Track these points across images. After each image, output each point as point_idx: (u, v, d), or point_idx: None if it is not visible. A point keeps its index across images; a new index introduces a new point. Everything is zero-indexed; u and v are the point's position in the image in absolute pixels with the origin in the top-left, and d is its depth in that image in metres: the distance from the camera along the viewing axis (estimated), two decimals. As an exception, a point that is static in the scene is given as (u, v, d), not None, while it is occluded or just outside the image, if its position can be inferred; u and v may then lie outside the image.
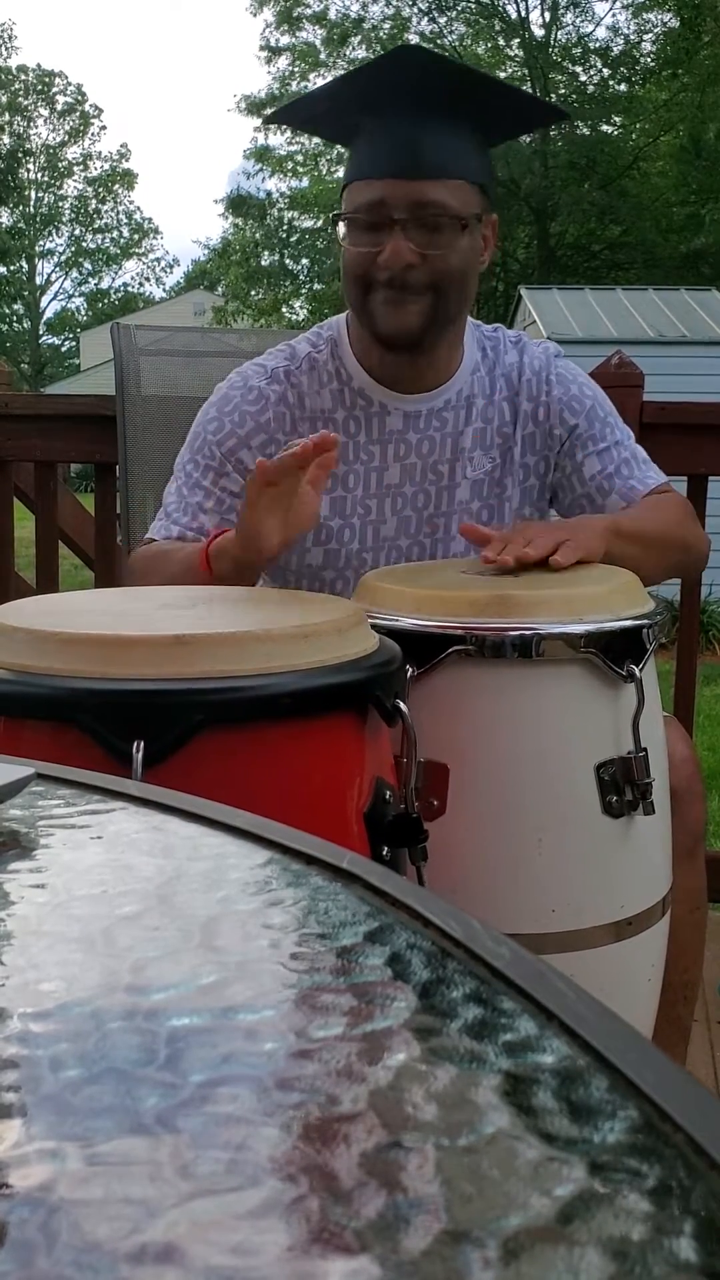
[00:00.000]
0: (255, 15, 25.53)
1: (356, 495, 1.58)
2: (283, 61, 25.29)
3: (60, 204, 39.68)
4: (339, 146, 1.54)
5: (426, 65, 1.50)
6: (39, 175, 38.54)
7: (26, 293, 39.08)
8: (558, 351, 1.66)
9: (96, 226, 40.61)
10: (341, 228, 1.50)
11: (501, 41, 24.36)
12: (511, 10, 23.54)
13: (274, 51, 25.19)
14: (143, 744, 0.89)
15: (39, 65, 42.08)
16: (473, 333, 1.62)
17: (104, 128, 54.85)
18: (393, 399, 1.58)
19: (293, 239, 26.96)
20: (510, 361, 1.62)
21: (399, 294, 1.48)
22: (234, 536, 1.33)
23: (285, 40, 25.10)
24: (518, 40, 23.86)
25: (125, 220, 41.27)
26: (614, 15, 34.99)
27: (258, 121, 27.07)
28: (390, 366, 1.56)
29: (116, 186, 40.31)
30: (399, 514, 1.58)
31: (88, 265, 41.08)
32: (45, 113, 38.48)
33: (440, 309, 1.50)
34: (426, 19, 23.92)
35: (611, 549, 1.41)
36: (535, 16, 23.61)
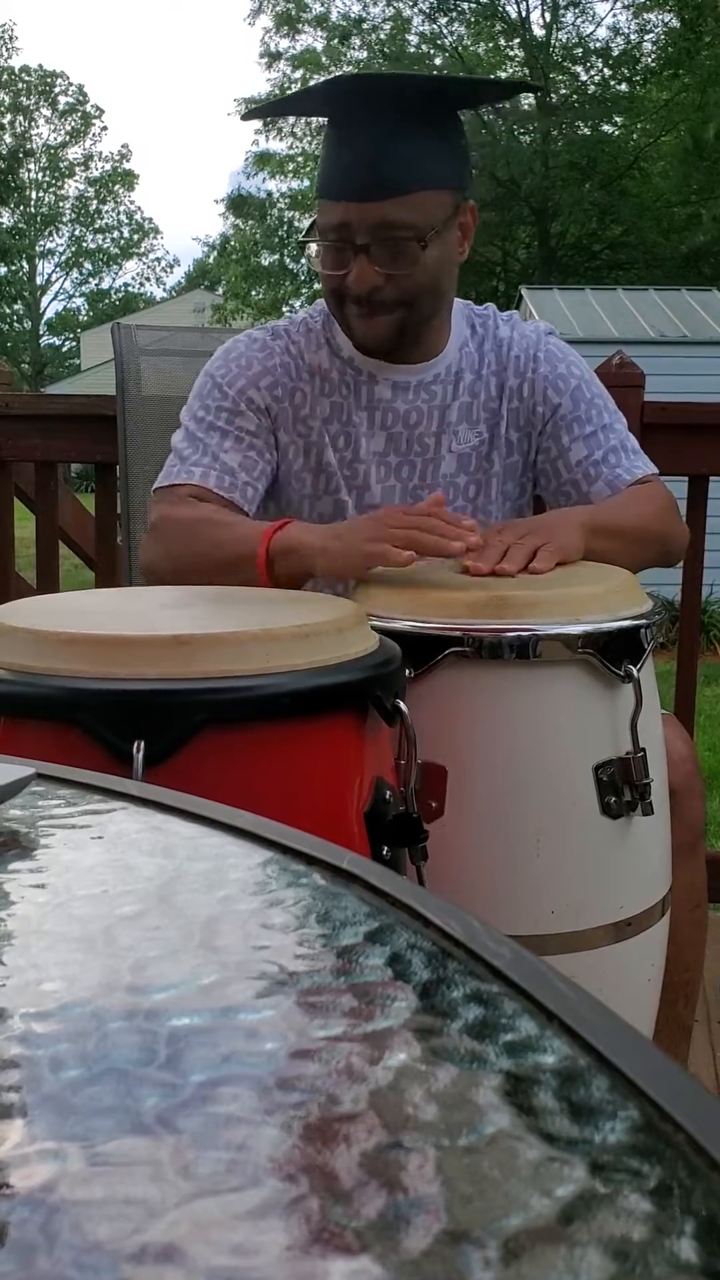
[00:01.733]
0: (252, 25, 25.52)
1: (345, 457, 1.60)
2: (283, 65, 25.28)
3: (61, 204, 39.64)
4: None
5: (381, 85, 1.52)
6: (40, 175, 38.51)
7: (27, 293, 39.03)
8: (550, 329, 1.66)
9: (97, 226, 40.58)
10: (313, 247, 1.53)
11: (502, 42, 24.36)
12: (512, 10, 23.53)
13: (274, 56, 25.16)
14: (143, 744, 0.89)
15: (40, 66, 41.92)
16: (461, 311, 1.64)
17: (105, 128, 54.77)
18: (382, 369, 1.60)
19: (293, 239, 26.96)
20: (501, 337, 1.63)
21: (370, 310, 1.51)
22: (312, 546, 1.34)
23: (285, 44, 25.10)
24: (518, 40, 23.84)
25: (126, 220, 41.27)
26: (614, 15, 35.00)
27: (258, 124, 27.03)
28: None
29: (117, 187, 40.27)
30: (383, 483, 1.60)
31: (88, 265, 41.05)
32: (47, 113, 38.47)
33: (413, 318, 1.53)
34: (426, 20, 23.92)
35: (589, 544, 1.41)
36: (536, 17, 23.62)
